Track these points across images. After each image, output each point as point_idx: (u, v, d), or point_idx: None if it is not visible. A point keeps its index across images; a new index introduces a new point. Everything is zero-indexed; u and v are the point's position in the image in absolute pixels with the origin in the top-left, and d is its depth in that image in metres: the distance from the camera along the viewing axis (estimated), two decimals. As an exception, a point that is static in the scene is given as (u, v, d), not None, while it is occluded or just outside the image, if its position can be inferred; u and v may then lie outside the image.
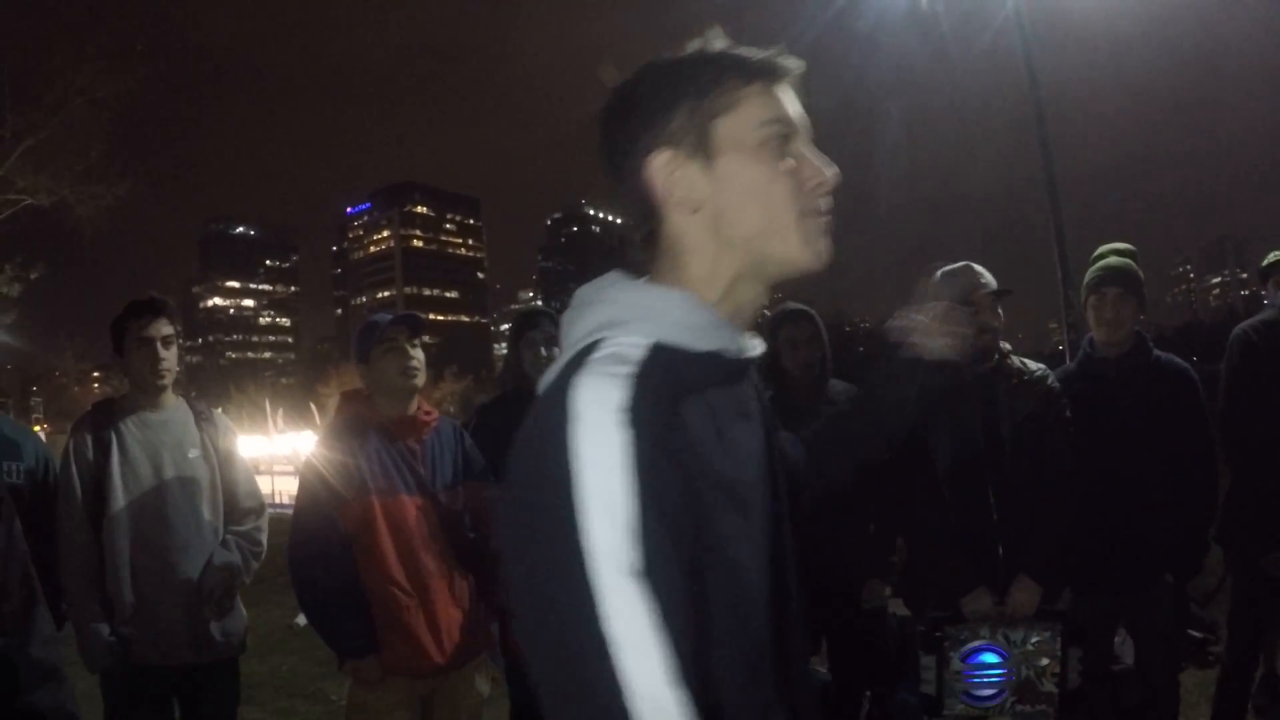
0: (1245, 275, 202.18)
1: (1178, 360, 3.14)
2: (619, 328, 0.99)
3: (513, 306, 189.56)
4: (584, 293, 1.07)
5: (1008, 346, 2.98)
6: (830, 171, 1.07)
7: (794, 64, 1.08)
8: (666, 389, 0.93)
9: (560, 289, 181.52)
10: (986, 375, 2.90)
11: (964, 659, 2.76)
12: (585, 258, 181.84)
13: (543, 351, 3.32)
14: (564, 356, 0.98)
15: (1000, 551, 2.82)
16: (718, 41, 1.08)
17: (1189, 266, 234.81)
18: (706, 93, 1.05)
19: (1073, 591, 2.99)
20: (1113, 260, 3.12)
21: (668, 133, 1.05)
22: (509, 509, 0.92)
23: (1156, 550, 2.97)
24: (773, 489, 1.08)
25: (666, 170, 1.04)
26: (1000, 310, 2.93)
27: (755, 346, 1.12)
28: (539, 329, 3.37)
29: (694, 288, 1.05)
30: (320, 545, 2.68)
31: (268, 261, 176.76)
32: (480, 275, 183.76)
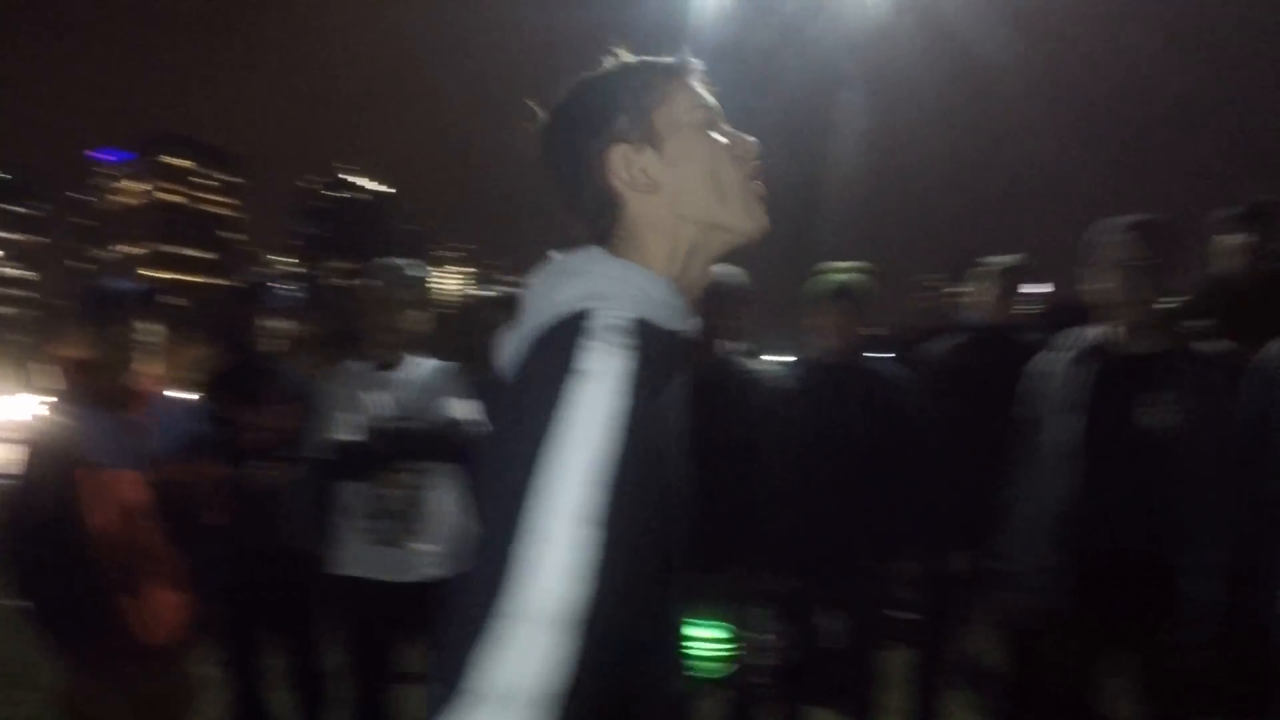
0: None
1: (893, 365, 3.46)
2: (607, 301, 1.09)
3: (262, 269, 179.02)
4: (568, 262, 1.18)
5: (739, 345, 3.18)
6: (752, 140, 1.23)
7: (698, 63, 1.25)
8: (655, 364, 1.05)
9: (319, 256, 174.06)
10: (716, 373, 3.07)
11: (689, 632, 2.94)
12: (342, 225, 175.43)
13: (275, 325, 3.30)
14: (549, 316, 1.09)
15: (724, 534, 3.01)
16: (628, 55, 1.23)
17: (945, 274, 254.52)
18: (640, 92, 1.20)
19: (792, 574, 3.19)
20: (833, 276, 3.37)
21: (617, 132, 1.19)
22: (494, 442, 1.06)
23: (870, 539, 3.24)
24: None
25: (624, 162, 1.19)
26: (740, 315, 3.14)
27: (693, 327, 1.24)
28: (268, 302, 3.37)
29: (656, 266, 1.18)
30: (39, 520, 2.52)
31: (13, 208, 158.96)
32: (240, 237, 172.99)
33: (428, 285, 3.33)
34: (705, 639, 2.93)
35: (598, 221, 1.21)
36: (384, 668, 3.18)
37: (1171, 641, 2.49)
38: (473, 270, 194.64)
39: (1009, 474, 2.83)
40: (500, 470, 1.01)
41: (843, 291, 3.34)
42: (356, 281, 3.42)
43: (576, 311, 1.07)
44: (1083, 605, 2.59)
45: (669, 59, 1.24)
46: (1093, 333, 2.66)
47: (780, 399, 3.16)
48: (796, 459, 3.11)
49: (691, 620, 2.92)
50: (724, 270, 3.09)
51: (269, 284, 3.53)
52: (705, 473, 3.00)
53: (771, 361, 3.28)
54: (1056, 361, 2.71)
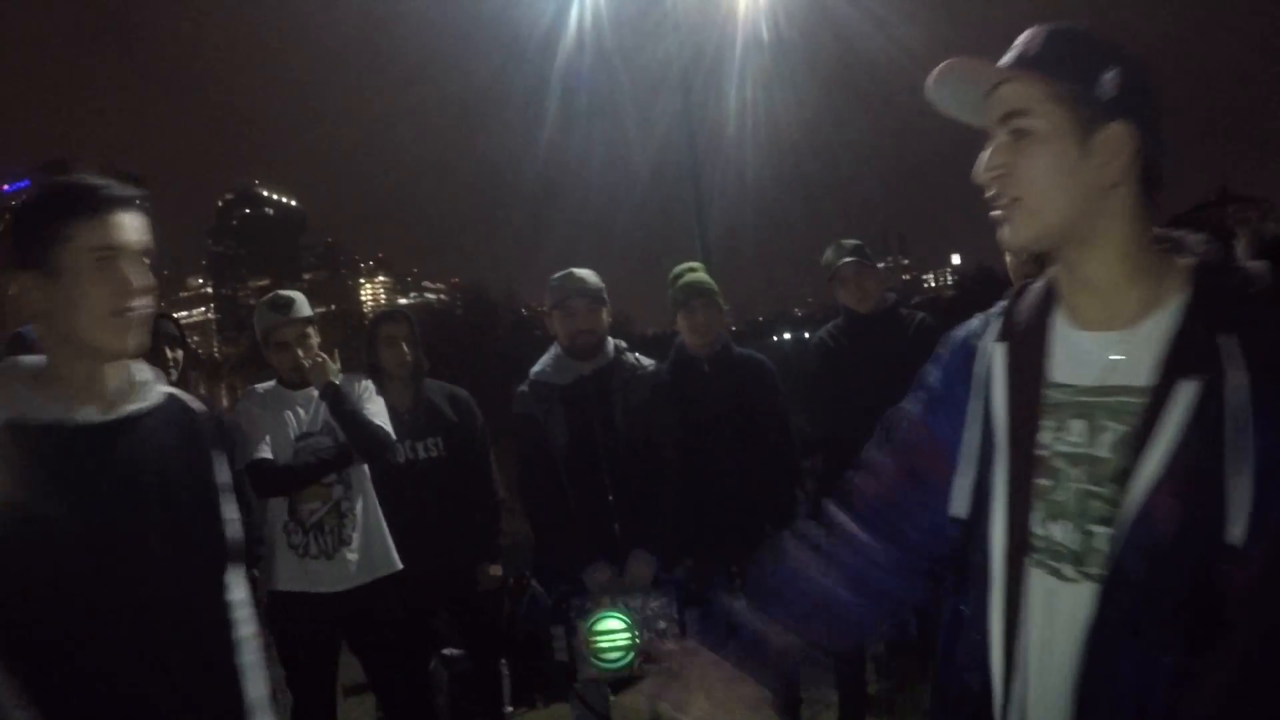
0: (906, 261, 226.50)
1: (756, 355, 3.59)
2: None
3: (181, 294, 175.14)
4: None
5: (623, 344, 3.28)
6: (142, 283, 1.51)
7: (126, 192, 1.51)
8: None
9: (232, 274, 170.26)
10: (603, 370, 3.18)
11: (591, 627, 2.97)
12: (258, 241, 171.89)
13: None
14: None
15: (616, 528, 3.11)
16: (66, 180, 1.51)
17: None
18: (44, 230, 1.45)
19: (693, 559, 3.32)
20: (691, 277, 3.48)
21: (30, 258, 1.46)
22: None
23: (754, 514, 3.34)
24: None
25: (19, 289, 1.47)
26: (603, 312, 3.21)
27: (92, 414, 1.50)
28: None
29: (56, 369, 1.51)
30: None
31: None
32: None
33: (310, 317, 3.32)
34: (607, 632, 2.95)
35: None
36: (325, 682, 3.24)
37: None
38: (387, 280, 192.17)
39: None
40: None
41: (698, 290, 3.44)
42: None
43: None
44: None
45: (92, 191, 1.48)
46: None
47: (658, 393, 3.24)
48: (676, 448, 3.20)
49: (592, 614, 2.94)
50: (583, 273, 3.19)
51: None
52: (593, 470, 3.08)
53: (647, 360, 3.35)
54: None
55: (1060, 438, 1.17)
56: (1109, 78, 1.11)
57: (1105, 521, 1.11)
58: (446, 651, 3.94)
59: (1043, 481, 1.18)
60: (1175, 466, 1.05)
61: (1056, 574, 1.17)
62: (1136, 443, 1.08)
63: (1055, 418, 1.18)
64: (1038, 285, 1.28)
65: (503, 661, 3.86)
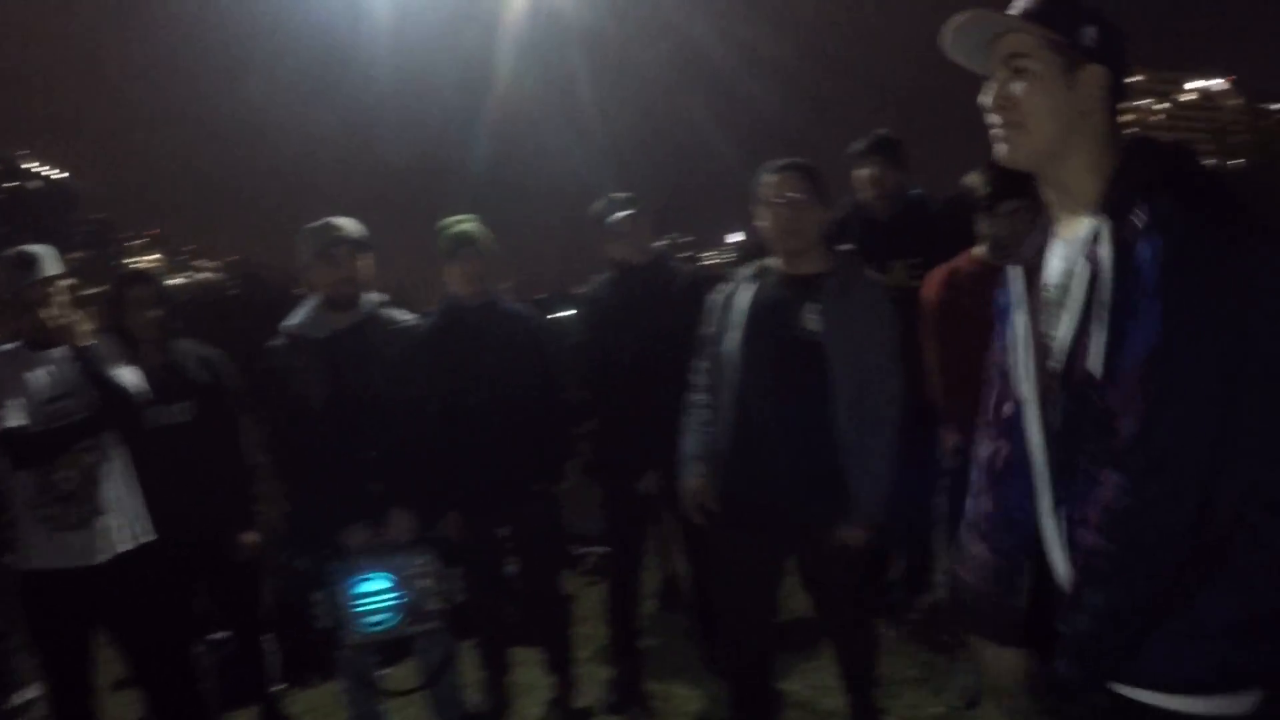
0: (692, 239, 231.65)
1: (524, 310, 3.60)
2: None
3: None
4: None
5: (383, 297, 3.21)
6: None
7: None
8: None
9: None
10: (362, 324, 3.12)
11: (353, 589, 2.96)
12: (19, 216, 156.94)
13: None
14: None
15: (375, 487, 3.06)
16: None
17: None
18: None
19: (462, 514, 3.32)
20: (461, 227, 3.43)
21: None
22: None
23: (521, 472, 3.37)
24: None
25: None
26: (364, 263, 3.13)
27: None
28: None
29: None
30: None
31: None
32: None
33: (57, 275, 3.06)
34: (369, 594, 2.95)
35: None
36: (81, 669, 3.06)
37: (840, 534, 2.71)
38: (160, 258, 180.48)
39: (688, 394, 3.00)
40: None
41: (465, 240, 3.42)
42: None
43: None
44: (756, 507, 2.77)
45: None
46: (764, 261, 2.90)
47: (418, 347, 3.22)
48: (439, 402, 3.19)
49: (352, 575, 2.94)
50: (342, 220, 3.11)
51: None
52: (351, 428, 3.05)
53: (407, 313, 3.31)
54: (734, 288, 2.92)
55: (1052, 328, 1.46)
56: (1090, 32, 1.42)
57: None
58: (213, 636, 3.80)
59: (1050, 363, 1.46)
60: (1079, 332, 1.38)
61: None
62: (1062, 316, 1.43)
63: (1048, 312, 1.48)
64: (1042, 221, 1.57)
65: (268, 637, 3.76)
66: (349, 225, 3.12)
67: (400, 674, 3.78)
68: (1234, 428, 1.24)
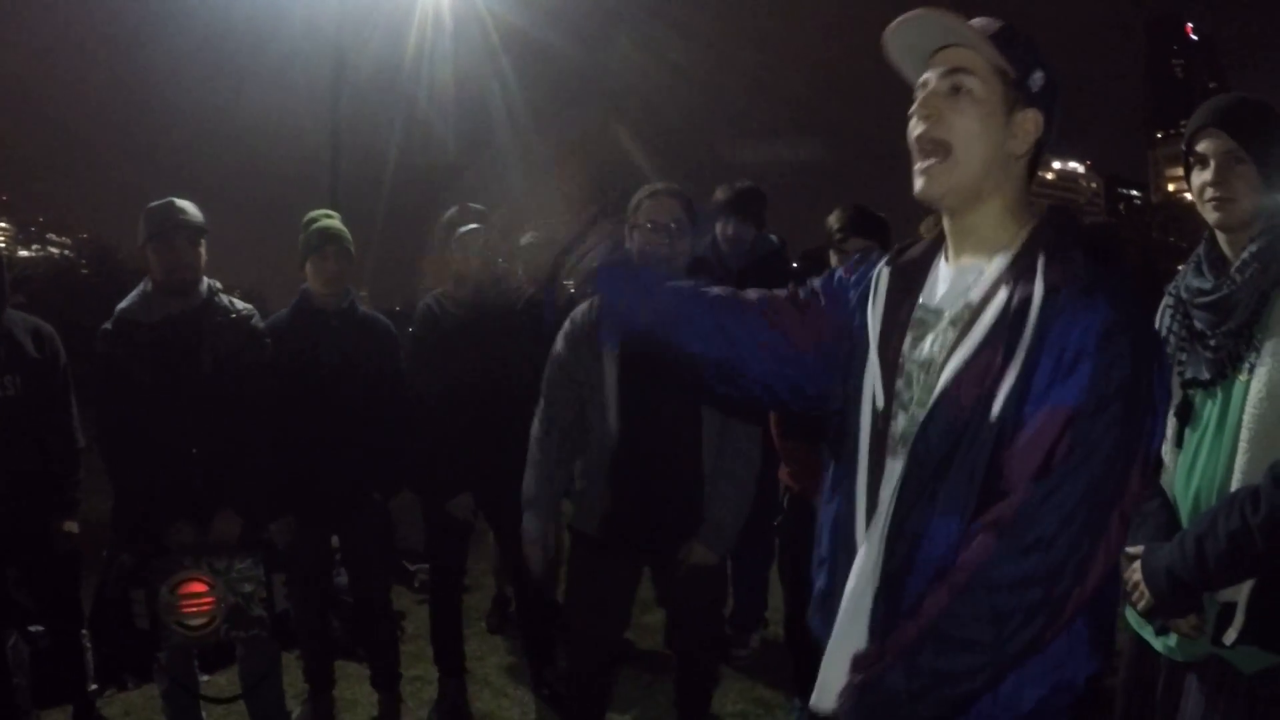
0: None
1: (381, 316, 3.54)
2: None
3: None
4: None
5: (217, 284, 3.12)
6: None
7: None
8: None
9: None
10: (195, 310, 3.01)
11: (172, 590, 2.86)
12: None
13: None
14: None
15: (200, 484, 2.96)
16: None
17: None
18: None
19: (296, 520, 3.25)
20: (326, 223, 3.37)
21: None
22: None
23: (359, 478, 3.32)
24: None
25: None
26: (201, 248, 3.05)
27: None
28: None
29: None
30: None
31: None
32: None
33: None
34: (190, 595, 2.88)
35: None
36: None
37: (693, 554, 2.72)
38: (7, 227, 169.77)
39: (535, 421, 2.88)
40: None
41: (331, 236, 3.35)
42: None
43: None
44: (620, 523, 2.74)
45: None
46: None
47: (258, 342, 3.14)
48: (274, 402, 3.12)
49: (174, 576, 2.86)
50: (184, 204, 3.03)
51: None
52: (177, 419, 2.94)
53: (242, 303, 3.19)
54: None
55: (918, 348, 1.42)
56: (1038, 76, 1.38)
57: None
58: (30, 628, 3.59)
59: (899, 383, 1.43)
60: (974, 359, 1.31)
61: (895, 457, 1.42)
62: (956, 342, 1.35)
63: (917, 332, 1.43)
64: (930, 236, 1.54)
65: (84, 633, 3.58)
66: (190, 209, 3.02)
67: (221, 681, 3.68)
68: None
